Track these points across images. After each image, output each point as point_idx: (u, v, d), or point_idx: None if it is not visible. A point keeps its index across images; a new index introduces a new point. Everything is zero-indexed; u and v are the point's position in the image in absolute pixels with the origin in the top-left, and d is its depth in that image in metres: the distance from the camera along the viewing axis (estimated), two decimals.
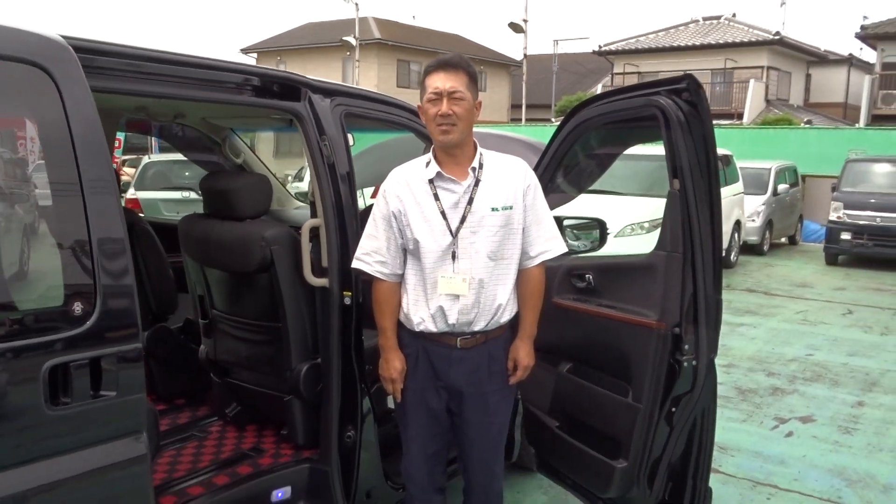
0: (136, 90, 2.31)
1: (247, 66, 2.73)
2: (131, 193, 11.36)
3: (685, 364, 2.56)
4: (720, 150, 11.58)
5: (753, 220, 12.70)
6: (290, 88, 2.76)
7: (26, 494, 1.73)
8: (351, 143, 2.99)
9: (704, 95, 2.54)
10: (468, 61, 2.48)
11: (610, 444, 2.77)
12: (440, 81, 2.40)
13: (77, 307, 1.82)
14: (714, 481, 3.88)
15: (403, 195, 2.47)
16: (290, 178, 15.95)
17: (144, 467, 1.95)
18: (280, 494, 2.78)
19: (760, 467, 4.33)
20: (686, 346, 2.55)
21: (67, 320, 1.81)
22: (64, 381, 1.79)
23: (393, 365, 2.54)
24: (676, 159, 2.54)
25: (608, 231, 3.38)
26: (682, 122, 2.52)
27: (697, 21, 31.01)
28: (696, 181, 2.53)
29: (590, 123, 3.00)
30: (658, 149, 2.63)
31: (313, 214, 2.86)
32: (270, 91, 2.71)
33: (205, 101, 2.62)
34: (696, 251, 2.54)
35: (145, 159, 12.90)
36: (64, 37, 1.93)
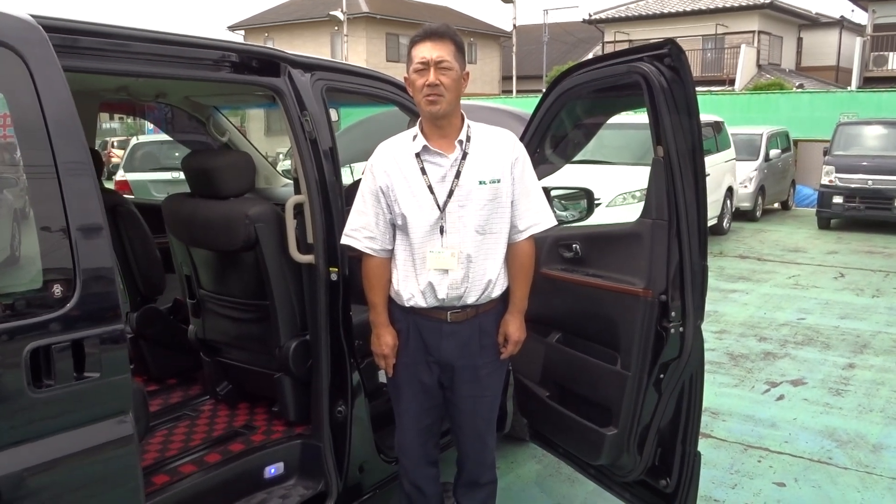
0: (111, 69, 2.27)
1: (224, 42, 2.68)
2: (120, 175, 11.30)
3: (672, 331, 2.56)
4: (712, 117, 11.55)
5: (746, 186, 12.71)
6: (269, 64, 2.72)
7: (10, 477, 1.73)
8: (335, 118, 2.96)
9: (686, 61, 2.51)
10: (455, 31, 2.44)
11: (600, 412, 2.78)
12: (427, 51, 2.37)
13: (57, 289, 1.81)
14: (706, 446, 3.93)
15: (390, 170, 2.45)
16: (281, 156, 15.85)
17: (132, 448, 1.95)
18: (273, 470, 2.79)
19: (752, 431, 4.37)
20: (673, 313, 2.55)
21: (48, 303, 1.80)
22: (46, 363, 1.78)
23: (384, 340, 2.54)
24: (660, 126, 2.52)
25: (597, 200, 3.37)
26: (664, 88, 2.49)
27: None
28: (679, 148, 2.51)
29: (573, 92, 2.97)
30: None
31: (297, 191, 2.84)
32: (249, 67, 2.67)
33: (183, 78, 2.58)
34: (680, 218, 2.52)
35: (133, 141, 12.81)
36: (34, 16, 1.90)
